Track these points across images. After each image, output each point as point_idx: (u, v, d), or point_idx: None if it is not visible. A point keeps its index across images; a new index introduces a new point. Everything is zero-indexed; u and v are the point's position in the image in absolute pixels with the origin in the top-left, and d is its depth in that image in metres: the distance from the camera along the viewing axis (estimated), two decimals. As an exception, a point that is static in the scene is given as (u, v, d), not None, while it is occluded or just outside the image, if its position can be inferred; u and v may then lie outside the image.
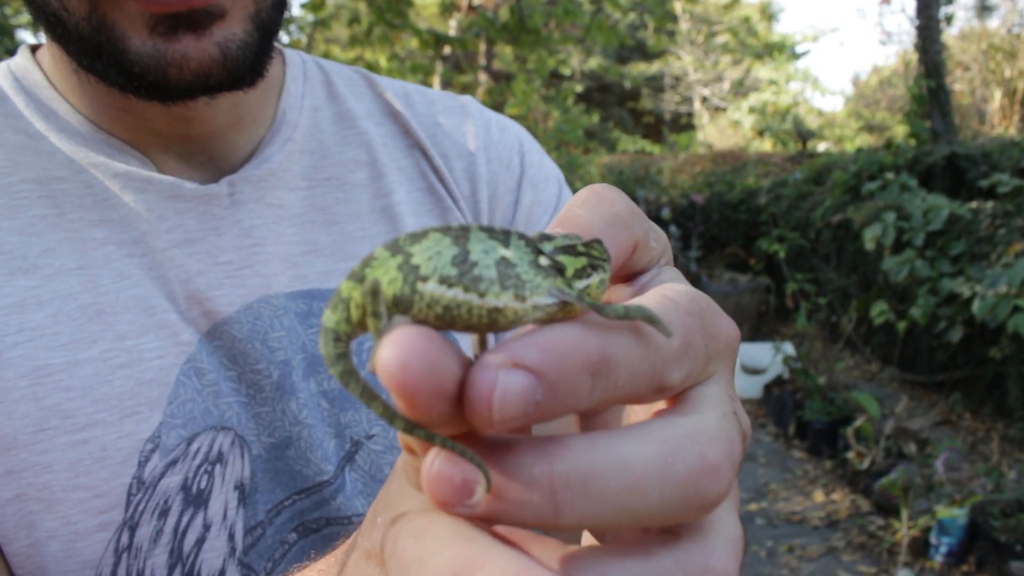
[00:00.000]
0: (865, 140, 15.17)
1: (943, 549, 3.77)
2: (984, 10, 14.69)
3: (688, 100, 22.06)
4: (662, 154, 16.43)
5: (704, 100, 21.19)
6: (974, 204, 5.97)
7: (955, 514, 3.74)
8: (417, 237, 0.34)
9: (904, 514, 3.88)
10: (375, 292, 0.32)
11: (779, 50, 19.68)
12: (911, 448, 4.31)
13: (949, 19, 8.77)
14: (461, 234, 0.34)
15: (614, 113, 23.71)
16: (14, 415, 0.66)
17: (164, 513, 0.68)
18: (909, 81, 9.12)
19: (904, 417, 5.22)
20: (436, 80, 9.24)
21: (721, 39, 20.86)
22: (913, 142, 8.26)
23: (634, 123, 24.36)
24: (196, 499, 0.69)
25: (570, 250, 0.36)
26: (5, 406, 0.66)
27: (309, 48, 9.99)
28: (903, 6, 15.12)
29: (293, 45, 8.13)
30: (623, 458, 0.30)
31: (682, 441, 0.31)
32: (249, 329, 0.74)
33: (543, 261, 0.35)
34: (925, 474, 3.99)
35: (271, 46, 0.74)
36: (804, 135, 14.27)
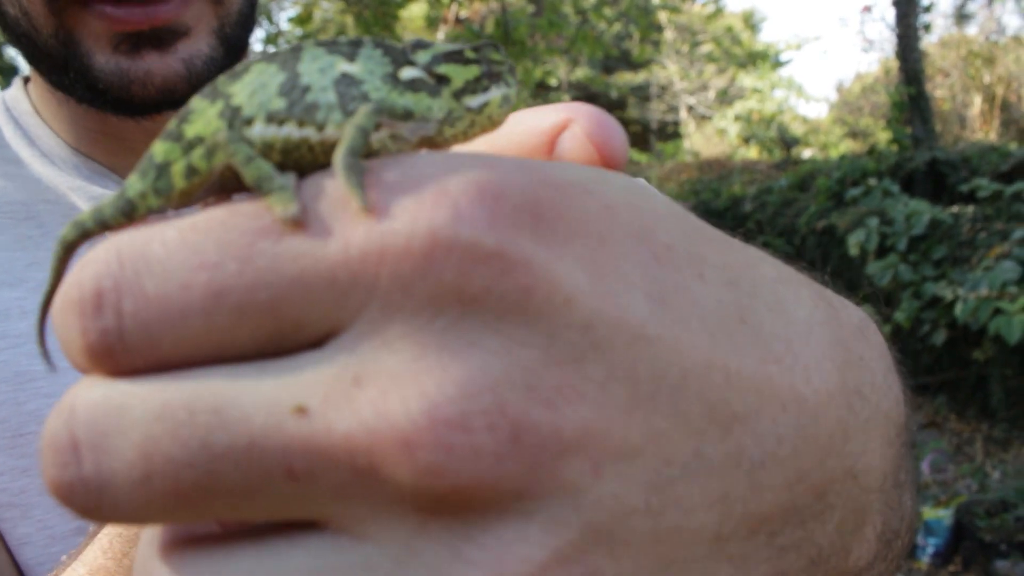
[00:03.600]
0: (850, 146, 15.32)
1: (929, 550, 3.81)
2: (962, 18, 14.91)
3: (674, 109, 22.20)
4: (649, 163, 16.52)
5: (690, 109, 21.34)
6: (955, 209, 6.06)
7: (941, 515, 3.78)
8: (237, 74, 0.27)
9: (891, 516, 3.92)
10: (212, 150, 0.26)
11: (763, 59, 19.87)
12: (897, 450, 4.36)
13: (928, 27, 8.91)
14: (290, 56, 0.27)
15: (601, 122, 23.79)
16: None
17: None
18: (890, 88, 9.24)
19: (890, 420, 5.27)
20: (423, 92, 9.29)
21: (705, 48, 21.03)
22: (895, 148, 8.36)
23: (621, 132, 24.45)
24: None
25: (455, 57, 0.28)
26: None
27: (296, 62, 10.03)
28: (883, 15, 15.34)
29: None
30: None
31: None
32: None
33: (409, 74, 0.27)
34: (911, 476, 4.04)
35: (238, 63, 0.77)
36: (789, 142, 14.41)
